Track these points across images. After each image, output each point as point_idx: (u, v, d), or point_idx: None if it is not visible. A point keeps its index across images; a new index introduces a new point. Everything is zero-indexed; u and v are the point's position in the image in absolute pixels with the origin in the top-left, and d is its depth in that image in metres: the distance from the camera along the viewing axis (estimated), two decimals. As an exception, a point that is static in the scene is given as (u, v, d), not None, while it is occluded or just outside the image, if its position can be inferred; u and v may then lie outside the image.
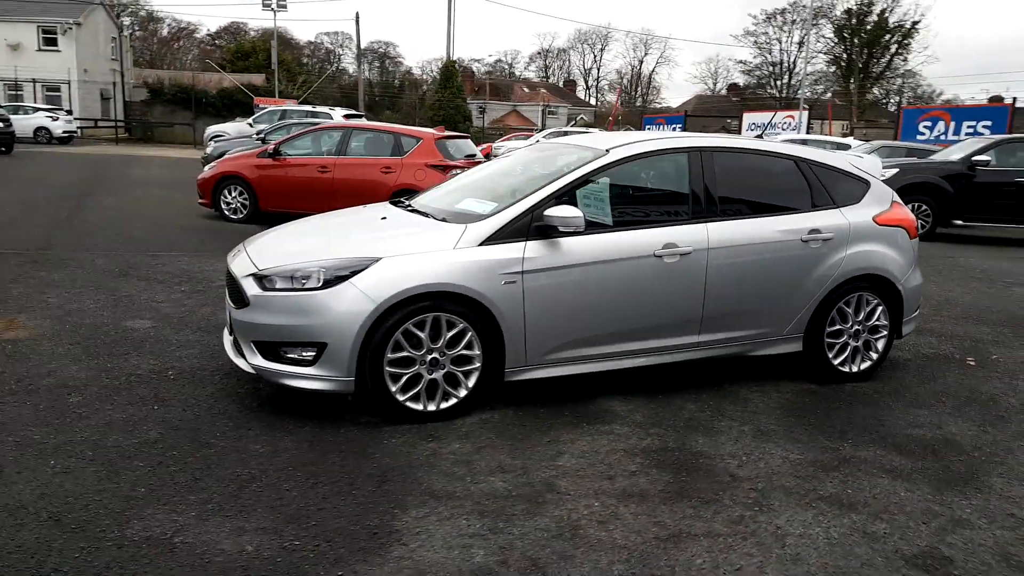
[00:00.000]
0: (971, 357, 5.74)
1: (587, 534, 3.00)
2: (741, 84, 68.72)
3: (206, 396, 4.32)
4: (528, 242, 4.12)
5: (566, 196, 4.27)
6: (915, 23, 50.89)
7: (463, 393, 4.09)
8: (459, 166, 10.60)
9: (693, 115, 39.55)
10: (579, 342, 4.29)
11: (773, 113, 27.63)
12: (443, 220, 4.30)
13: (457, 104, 42.56)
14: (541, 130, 37.31)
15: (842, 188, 4.97)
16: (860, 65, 52.47)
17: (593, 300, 4.25)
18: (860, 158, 5.35)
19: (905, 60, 52.43)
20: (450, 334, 3.99)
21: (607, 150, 4.49)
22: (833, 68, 55.32)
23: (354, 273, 3.87)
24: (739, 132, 28.34)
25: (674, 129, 30.36)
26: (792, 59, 58.87)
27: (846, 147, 18.35)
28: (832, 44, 53.94)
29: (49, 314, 5.86)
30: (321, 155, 11.10)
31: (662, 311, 4.44)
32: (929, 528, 3.16)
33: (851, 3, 51.25)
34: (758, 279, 4.63)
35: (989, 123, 19.31)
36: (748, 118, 29.37)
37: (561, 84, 79.28)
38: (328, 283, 3.86)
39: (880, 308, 5.01)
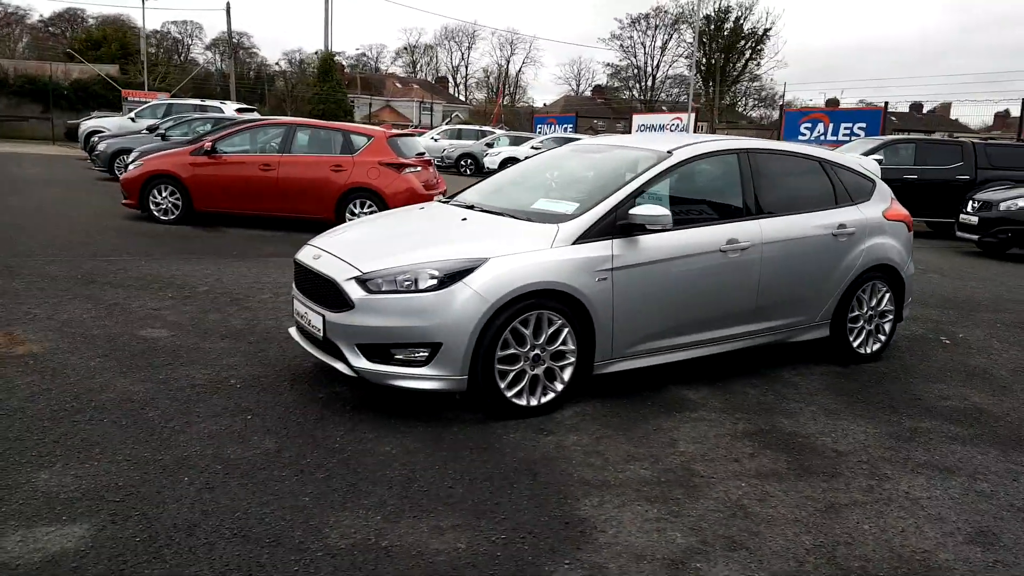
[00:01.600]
0: (944, 337, 6.43)
1: (755, 512, 3.24)
2: (605, 85, 70.90)
3: (291, 403, 4.22)
4: (614, 240, 4.30)
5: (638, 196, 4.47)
6: (767, 30, 54.54)
7: (560, 387, 4.22)
8: (414, 164, 10.58)
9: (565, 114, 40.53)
10: (656, 334, 4.51)
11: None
12: (527, 220, 4.40)
13: (338, 98, 41.59)
14: (432, 127, 37.22)
15: (856, 186, 5.47)
16: (719, 69, 55.53)
17: (669, 294, 4.49)
18: (863, 159, 5.88)
19: (759, 65, 56.04)
20: (550, 331, 4.11)
21: (669, 152, 4.73)
22: (695, 72, 58.26)
23: (466, 273, 3.91)
24: (628, 132, 29.43)
25: (565, 129, 31.15)
26: (656, 62, 61.56)
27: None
28: (693, 49, 56.75)
29: (45, 326, 5.45)
30: (263, 152, 10.73)
31: (724, 302, 4.74)
32: (1021, 484, 3.61)
33: (710, 10, 54.18)
34: (800, 271, 5.03)
35: (864, 125, 21.18)
36: (638, 120, 30.59)
37: (432, 80, 78.96)
38: (442, 284, 3.89)
39: (888, 295, 5.55)
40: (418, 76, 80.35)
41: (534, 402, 4.14)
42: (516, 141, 26.80)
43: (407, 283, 3.93)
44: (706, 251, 4.59)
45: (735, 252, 4.68)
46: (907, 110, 74.18)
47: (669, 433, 4.04)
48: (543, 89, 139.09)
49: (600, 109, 61.10)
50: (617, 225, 4.32)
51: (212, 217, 10.97)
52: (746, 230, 4.76)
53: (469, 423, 4.03)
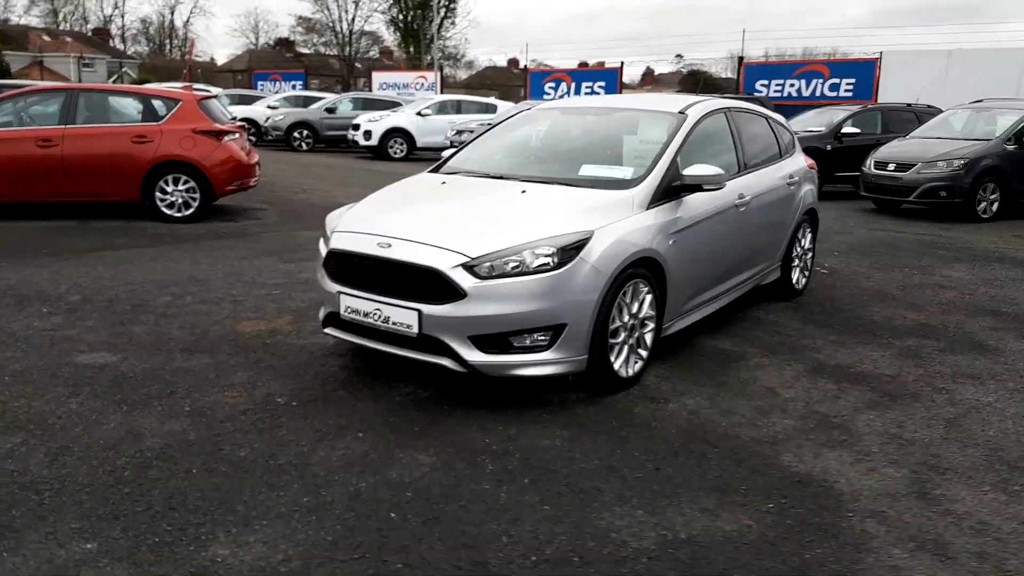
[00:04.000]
0: (819, 268, 7.41)
1: (911, 438, 3.60)
2: (290, 39, 67.00)
3: (377, 412, 3.75)
4: (672, 202, 4.36)
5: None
6: (458, -12, 55.79)
7: (644, 354, 4.24)
8: (232, 130, 9.43)
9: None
10: (697, 291, 4.69)
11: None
12: (592, 187, 4.27)
13: (-16, 57, 35.01)
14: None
15: (788, 140, 6.07)
16: (415, 28, 55.79)
17: (706, 251, 4.68)
18: (775, 114, 6.49)
19: (454, 24, 57.24)
20: (639, 298, 4.10)
21: (682, 112, 4.85)
22: (391, 28, 58.01)
23: (579, 248, 3.74)
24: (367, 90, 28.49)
25: (294, 86, 29.38)
26: (351, 17, 60.06)
27: (494, 108, 20.01)
28: (389, 4, 56.40)
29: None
30: (37, 125, 8.85)
31: (737, 252, 5.06)
32: (1034, 378, 4.43)
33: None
34: (774, 219, 5.51)
35: (603, 83, 22.91)
36: (378, 77, 29.74)
37: (89, 33, 69.15)
38: (560, 262, 3.67)
39: (811, 234, 6.28)
40: (62, 27, 69.69)
41: (632, 372, 4.12)
42: (243, 100, 24.61)
43: (517, 264, 3.65)
44: (728, 207, 4.83)
45: (743, 205, 4.99)
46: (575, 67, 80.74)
47: (758, 383, 4.27)
48: (217, 43, 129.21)
49: (289, 63, 58.21)
50: (672, 187, 4.37)
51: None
52: (745, 184, 5.09)
53: (582, 403, 3.91)
